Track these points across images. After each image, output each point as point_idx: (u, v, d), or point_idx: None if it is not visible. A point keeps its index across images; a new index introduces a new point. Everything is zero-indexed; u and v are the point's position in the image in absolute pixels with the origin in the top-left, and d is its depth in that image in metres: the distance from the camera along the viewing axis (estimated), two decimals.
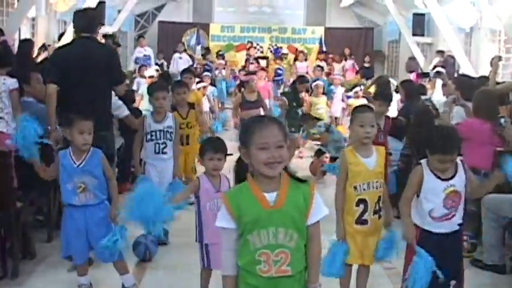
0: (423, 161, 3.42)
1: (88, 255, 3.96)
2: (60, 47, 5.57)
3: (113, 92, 5.29)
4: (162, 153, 5.03)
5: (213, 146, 3.82)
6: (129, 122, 5.91)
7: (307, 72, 14.75)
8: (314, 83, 10.43)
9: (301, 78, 9.42)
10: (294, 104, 8.69)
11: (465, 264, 4.77)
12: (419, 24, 15.76)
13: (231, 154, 8.24)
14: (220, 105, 13.41)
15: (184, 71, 8.50)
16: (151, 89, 5.21)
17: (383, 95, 6.27)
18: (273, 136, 2.29)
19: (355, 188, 3.58)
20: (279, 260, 2.30)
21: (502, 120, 5.26)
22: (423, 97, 7.63)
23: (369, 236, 3.66)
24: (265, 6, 20.93)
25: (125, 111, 5.99)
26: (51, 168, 3.86)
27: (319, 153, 8.02)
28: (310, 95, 10.34)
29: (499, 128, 5.22)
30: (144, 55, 15.43)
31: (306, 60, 16.80)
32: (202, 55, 17.08)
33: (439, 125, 3.97)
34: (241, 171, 2.46)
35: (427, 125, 5.78)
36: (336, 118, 11.37)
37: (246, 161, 2.35)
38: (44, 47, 9.58)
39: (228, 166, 3.03)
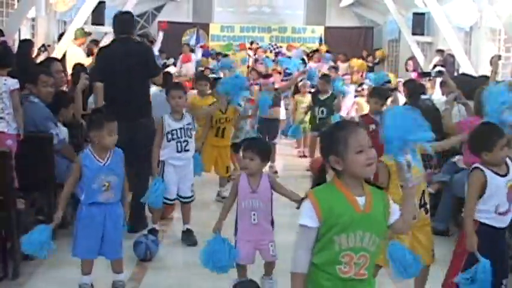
0: (479, 165, 3.47)
1: (97, 254, 3.95)
2: (103, 47, 6.37)
3: None
4: (185, 151, 5.09)
5: (246, 144, 3.97)
6: None
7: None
8: (301, 82, 10.36)
9: (325, 77, 9.15)
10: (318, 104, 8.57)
11: None
12: (419, 23, 15.73)
13: None
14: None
15: (199, 77, 8.33)
16: (167, 89, 5.24)
17: (378, 92, 6.30)
18: (365, 138, 2.36)
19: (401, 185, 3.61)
20: (360, 263, 2.34)
21: None
22: (423, 96, 7.63)
23: (418, 233, 3.69)
24: (265, 6, 20.92)
25: None
26: (70, 179, 3.87)
27: None
28: (295, 94, 10.37)
29: None
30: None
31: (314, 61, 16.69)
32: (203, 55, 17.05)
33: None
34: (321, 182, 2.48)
35: (435, 124, 5.79)
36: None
37: (339, 169, 2.37)
38: (43, 47, 9.58)
39: None
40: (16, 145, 4.92)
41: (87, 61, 10.45)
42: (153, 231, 5.06)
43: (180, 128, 5.06)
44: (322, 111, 8.43)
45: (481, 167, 3.46)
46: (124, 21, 5.66)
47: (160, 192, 4.93)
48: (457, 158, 5.84)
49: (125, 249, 4.16)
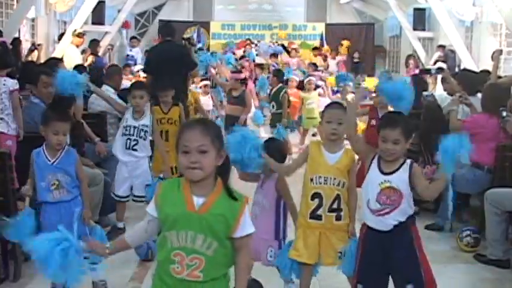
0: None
1: None
2: (154, 47, 8.42)
3: (112, 90, 6.46)
4: (132, 149, 5.01)
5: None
6: None
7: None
8: (307, 79, 10.45)
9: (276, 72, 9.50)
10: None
11: (468, 258, 4.81)
12: (420, 19, 15.71)
13: None
14: (219, 104, 13.34)
15: None
16: (130, 88, 5.23)
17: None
18: (193, 139, 2.26)
19: (311, 179, 3.56)
20: (192, 264, 2.28)
21: (504, 113, 5.24)
22: (425, 93, 7.61)
23: (325, 234, 3.58)
24: (266, 4, 20.89)
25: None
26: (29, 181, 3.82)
27: None
28: (301, 90, 10.40)
29: (502, 121, 5.21)
30: (128, 55, 15.44)
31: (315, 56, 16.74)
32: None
33: None
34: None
35: (438, 121, 5.77)
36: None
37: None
38: (33, 46, 9.58)
39: None
40: (16, 146, 4.91)
41: (80, 59, 10.45)
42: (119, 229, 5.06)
43: (135, 127, 5.01)
44: (273, 106, 8.77)
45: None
46: (168, 27, 7.59)
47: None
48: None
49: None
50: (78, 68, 7.78)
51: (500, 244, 4.69)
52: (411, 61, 13.82)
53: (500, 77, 7.38)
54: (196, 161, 2.24)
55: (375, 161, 3.27)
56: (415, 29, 15.60)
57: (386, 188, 3.18)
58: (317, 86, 10.72)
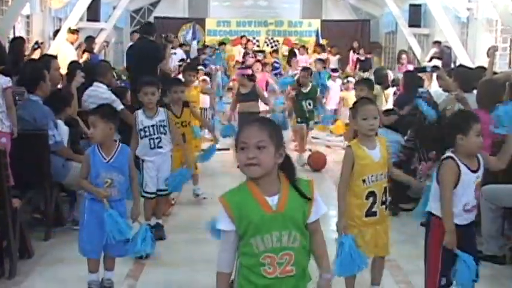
0: (451, 155, 3.35)
1: (101, 252, 3.91)
2: (131, 45, 8.98)
3: (105, 87, 6.51)
4: (158, 147, 5.00)
5: None
6: (124, 116, 5.88)
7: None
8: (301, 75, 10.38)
9: (305, 70, 9.22)
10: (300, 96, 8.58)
11: None
12: (416, 15, 15.72)
13: (227, 149, 8.32)
14: (216, 99, 13.35)
15: (188, 67, 8.31)
16: (139, 85, 5.17)
17: (363, 81, 6.27)
18: (249, 135, 2.25)
19: (363, 181, 3.57)
20: (283, 261, 2.28)
21: None
22: (421, 89, 7.60)
23: (377, 226, 3.66)
24: (261, 0, 20.90)
25: (119, 106, 5.97)
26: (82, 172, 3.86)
27: None
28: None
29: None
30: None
31: (307, 53, 16.79)
32: (198, 50, 17.01)
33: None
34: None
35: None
36: (335, 110, 11.37)
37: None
38: (36, 45, 9.54)
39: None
40: (10, 143, 4.88)
41: (75, 56, 10.41)
42: (158, 227, 5.04)
43: (153, 125, 4.99)
44: (309, 104, 8.52)
45: (454, 156, 3.34)
46: (148, 26, 8.30)
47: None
48: None
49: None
50: (74, 64, 7.78)
51: (495, 240, 4.69)
52: (404, 56, 13.72)
53: (495, 73, 7.39)
54: (254, 156, 2.23)
55: (460, 164, 3.32)
56: (410, 25, 15.60)
57: (478, 184, 3.38)
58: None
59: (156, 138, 5.00)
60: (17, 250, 4.36)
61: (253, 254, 2.28)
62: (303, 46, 17.16)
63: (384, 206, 3.64)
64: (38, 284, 4.20)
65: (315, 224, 2.37)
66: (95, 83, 6.46)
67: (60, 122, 5.34)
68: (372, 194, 3.59)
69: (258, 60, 12.56)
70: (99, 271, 3.91)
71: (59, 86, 6.55)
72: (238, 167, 2.32)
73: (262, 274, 2.28)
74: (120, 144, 3.89)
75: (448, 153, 3.36)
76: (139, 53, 7.71)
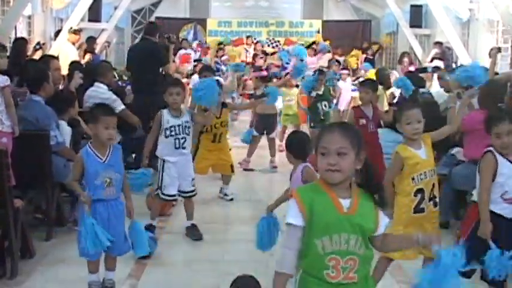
0: (491, 149, 3.63)
1: (101, 252, 3.91)
2: (133, 45, 9.31)
3: (105, 87, 6.57)
4: (182, 148, 5.04)
5: None
6: (125, 116, 5.91)
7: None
8: (287, 75, 10.29)
9: (321, 73, 9.07)
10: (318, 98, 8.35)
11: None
12: (417, 15, 15.70)
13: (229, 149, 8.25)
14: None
15: (205, 68, 7.96)
16: (165, 85, 5.20)
17: (368, 83, 6.27)
18: (332, 141, 2.27)
19: (413, 179, 3.70)
20: (348, 266, 2.28)
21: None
22: (421, 90, 7.61)
23: (425, 223, 3.76)
24: (262, 1, 20.87)
25: (120, 106, 5.99)
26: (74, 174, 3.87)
27: None
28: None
29: None
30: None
31: (326, 53, 16.72)
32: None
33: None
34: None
35: (435, 118, 5.78)
36: (343, 111, 11.37)
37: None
38: (38, 45, 9.55)
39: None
40: (11, 143, 4.89)
41: (76, 56, 10.41)
42: (151, 228, 5.04)
43: (179, 125, 5.04)
44: (325, 105, 8.34)
45: (493, 150, 3.60)
46: (151, 27, 8.24)
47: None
48: (455, 150, 5.83)
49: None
50: (74, 64, 7.79)
51: None
52: (405, 59, 13.75)
53: (497, 74, 7.39)
54: (335, 163, 2.25)
55: (499, 157, 3.59)
56: (411, 25, 15.58)
57: None
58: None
59: (182, 138, 5.04)
60: (18, 250, 4.36)
61: (318, 255, 2.28)
62: (312, 48, 16.94)
63: (431, 203, 3.76)
64: (40, 283, 4.21)
65: (380, 237, 2.38)
66: (96, 83, 6.47)
67: (63, 123, 5.35)
68: (420, 191, 3.72)
69: (277, 66, 12.49)
70: (99, 271, 3.92)
71: (60, 87, 6.56)
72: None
73: (325, 278, 2.28)
74: (112, 144, 3.91)
75: (489, 148, 3.66)
76: (140, 54, 7.72)
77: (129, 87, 8.83)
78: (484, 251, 3.48)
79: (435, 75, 9.45)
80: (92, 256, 3.81)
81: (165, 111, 5.05)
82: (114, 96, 6.33)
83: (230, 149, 6.75)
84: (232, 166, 6.53)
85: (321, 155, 2.28)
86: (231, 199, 6.39)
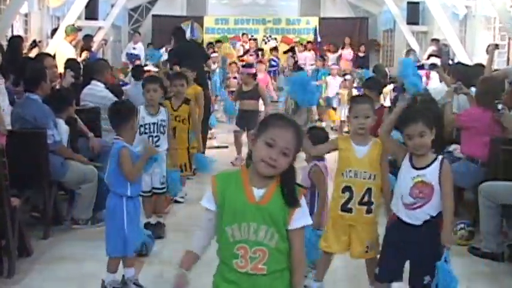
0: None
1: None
2: (180, 44, 8.89)
3: (102, 85, 6.52)
4: (156, 146, 4.99)
5: None
6: None
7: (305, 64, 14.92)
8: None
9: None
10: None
11: (463, 252, 4.82)
12: (414, 12, 15.71)
13: (225, 146, 8.22)
14: (214, 98, 13.31)
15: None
16: (143, 82, 5.21)
17: (368, 84, 6.21)
18: (284, 136, 2.24)
19: (342, 173, 3.62)
20: (256, 257, 2.27)
21: (500, 106, 5.25)
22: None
23: (354, 227, 3.64)
24: None
25: None
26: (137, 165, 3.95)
27: None
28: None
29: (497, 114, 5.21)
30: (132, 53, 15.34)
31: (309, 50, 16.84)
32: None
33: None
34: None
35: (431, 114, 5.76)
36: (334, 108, 11.39)
37: (250, 149, 2.33)
38: (34, 43, 9.53)
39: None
40: (5, 142, 4.86)
41: (73, 54, 10.38)
42: (148, 226, 5.03)
43: (154, 123, 5.03)
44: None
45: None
46: (182, 31, 9.17)
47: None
48: (453, 147, 5.83)
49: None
50: (70, 62, 7.76)
51: (494, 237, 4.70)
52: (411, 57, 13.77)
53: (494, 70, 7.39)
54: (277, 159, 2.23)
55: (407, 157, 3.35)
56: (409, 22, 15.58)
57: (419, 182, 3.26)
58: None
59: (155, 136, 5.02)
60: (15, 249, 4.35)
61: (228, 242, 2.29)
62: (301, 44, 17.14)
63: (364, 207, 3.59)
64: (37, 282, 4.20)
65: (294, 233, 2.32)
66: (93, 81, 6.46)
67: (61, 121, 5.33)
68: (348, 189, 3.60)
69: (260, 61, 12.60)
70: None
71: (57, 86, 6.55)
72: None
73: (234, 267, 2.28)
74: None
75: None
76: (192, 53, 8.23)
77: (126, 86, 8.82)
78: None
79: (433, 73, 9.46)
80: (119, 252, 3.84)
81: (141, 108, 5.02)
82: (111, 95, 6.32)
83: (194, 147, 6.22)
84: (182, 166, 5.96)
85: (266, 144, 2.24)
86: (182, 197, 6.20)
